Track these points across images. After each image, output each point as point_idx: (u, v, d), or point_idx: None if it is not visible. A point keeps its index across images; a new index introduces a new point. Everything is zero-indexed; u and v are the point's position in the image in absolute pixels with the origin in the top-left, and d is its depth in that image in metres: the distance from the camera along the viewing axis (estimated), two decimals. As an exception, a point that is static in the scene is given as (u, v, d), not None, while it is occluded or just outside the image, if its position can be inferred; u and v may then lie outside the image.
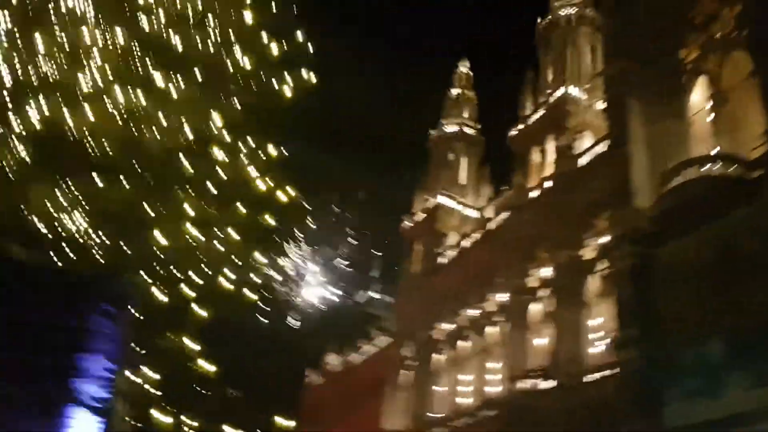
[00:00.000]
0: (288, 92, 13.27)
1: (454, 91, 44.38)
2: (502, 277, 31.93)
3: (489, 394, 31.54)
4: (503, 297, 31.93)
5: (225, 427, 10.32)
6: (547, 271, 29.28)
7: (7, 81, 10.32)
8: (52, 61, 10.88)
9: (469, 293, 34.22)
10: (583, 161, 28.92)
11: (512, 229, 32.08)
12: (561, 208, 28.52)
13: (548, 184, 30.41)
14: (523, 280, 30.40)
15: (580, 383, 25.45)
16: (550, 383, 26.79)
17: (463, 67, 45.20)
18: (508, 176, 35.67)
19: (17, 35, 10.66)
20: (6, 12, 10.66)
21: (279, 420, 11.48)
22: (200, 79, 12.34)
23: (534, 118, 32.79)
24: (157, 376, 10.37)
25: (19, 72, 10.54)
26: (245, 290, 11.72)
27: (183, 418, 10.54)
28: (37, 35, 10.76)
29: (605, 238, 26.08)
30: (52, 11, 11.19)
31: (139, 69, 11.72)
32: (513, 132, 33.78)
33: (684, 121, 23.75)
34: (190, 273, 11.40)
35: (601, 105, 29.32)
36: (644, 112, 24.15)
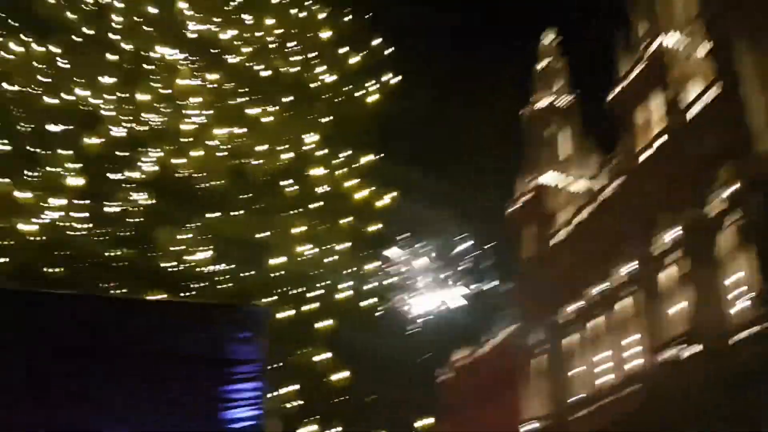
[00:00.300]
0: (373, 98, 13.44)
1: (542, 64, 43.04)
2: (627, 246, 30.58)
3: (629, 369, 30.30)
4: (630, 267, 30.58)
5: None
6: (674, 234, 27.75)
7: (118, 135, 11.17)
8: (155, 112, 11.67)
9: (593, 269, 33.03)
10: (693, 112, 27.15)
11: (628, 195, 30.67)
12: (678, 165, 26.93)
13: (660, 142, 28.82)
14: (650, 247, 28.97)
15: (726, 345, 23.89)
16: (694, 349, 25.34)
17: (548, 38, 43.77)
18: (614, 142, 34.14)
19: (119, 94, 11.52)
20: (106, 76, 11.55)
21: (420, 423, 11.62)
22: (288, 102, 12.77)
23: (632, 75, 31.18)
24: (296, 390, 10.81)
25: (128, 126, 11.38)
26: (363, 299, 11.99)
27: (326, 428, 10.92)
28: (137, 91, 11.58)
29: (731, 189, 24.37)
30: (146, 65, 12.00)
31: (232, 104, 12.32)
32: (612, 94, 32.30)
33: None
34: (309, 289, 11.80)
35: (703, 50, 27.41)
36: (752, 49, 22.33)
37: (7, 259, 9.31)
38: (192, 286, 10.72)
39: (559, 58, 43.54)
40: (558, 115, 41.15)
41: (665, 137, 28.47)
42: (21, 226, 9.86)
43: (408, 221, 14.28)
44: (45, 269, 9.71)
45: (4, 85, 10.86)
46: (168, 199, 11.02)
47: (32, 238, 9.96)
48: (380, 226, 12.57)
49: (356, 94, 13.58)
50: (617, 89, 32.15)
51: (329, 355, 11.15)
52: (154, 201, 10.81)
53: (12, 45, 10.93)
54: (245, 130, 11.89)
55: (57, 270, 9.82)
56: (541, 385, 37.43)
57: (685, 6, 30.18)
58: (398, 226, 13.71)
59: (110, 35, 12.05)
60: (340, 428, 11.03)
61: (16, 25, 11.13)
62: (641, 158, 30.13)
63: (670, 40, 29.50)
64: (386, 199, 12.82)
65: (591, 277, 33.50)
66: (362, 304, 11.90)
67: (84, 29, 11.89)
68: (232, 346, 4.50)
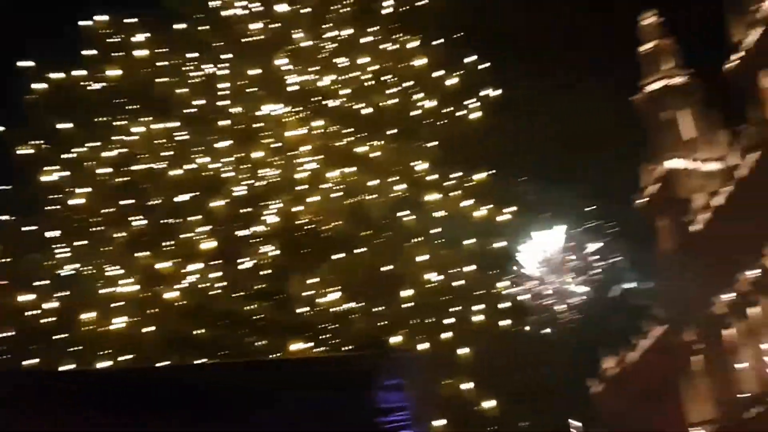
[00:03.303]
0: (475, 115, 13.24)
1: (647, 45, 40.93)
2: (775, 224, 27.94)
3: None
4: (784, 246, 27.87)
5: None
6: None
7: (240, 194, 11.68)
8: (270, 166, 12.13)
9: (742, 252, 30.41)
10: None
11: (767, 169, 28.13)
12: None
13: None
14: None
15: None
16: None
17: (649, 18, 41.66)
18: (741, 115, 31.54)
19: (236, 155, 12.10)
20: (221, 140, 12.17)
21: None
22: (393, 134, 12.84)
23: (750, 40, 28.86)
24: (446, 425, 10.55)
25: (247, 183, 11.90)
26: (499, 319, 11.59)
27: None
28: (251, 149, 12.11)
29: None
30: (255, 124, 12.54)
31: (340, 145, 12.56)
32: (730, 64, 30.02)
33: None
34: (444, 317, 11.57)
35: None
36: None
37: (154, 328, 9.86)
38: (327, 328, 10.84)
39: (664, 37, 41.22)
40: (674, 95, 38.78)
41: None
42: (165, 294, 10.46)
43: (530, 231, 13.74)
44: (189, 333, 10.20)
45: (133, 167, 11.67)
46: (294, 247, 11.32)
47: (175, 304, 10.53)
48: (504, 242, 12.18)
49: (458, 114, 13.42)
50: (736, 57, 29.82)
51: (472, 384, 10.79)
52: (281, 251, 11.12)
53: (133, 128, 11.78)
54: (356, 168, 12.04)
55: (201, 332, 10.28)
56: (705, 385, 34.63)
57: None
58: (522, 238, 13.22)
59: (219, 102, 12.73)
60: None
61: (134, 108, 12.02)
62: (778, 125, 27.58)
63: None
64: (506, 214, 12.43)
65: (742, 261, 30.78)
66: (500, 324, 11.51)
67: (195, 101, 12.63)
68: (380, 395, 4.40)
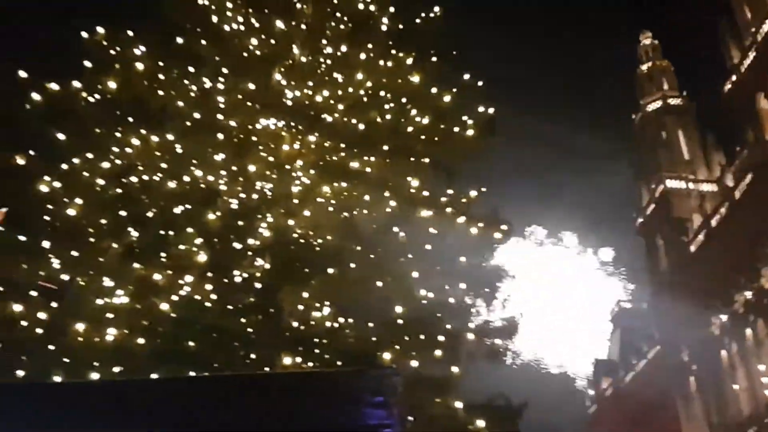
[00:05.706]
0: (470, 132, 13.33)
1: (645, 66, 41.32)
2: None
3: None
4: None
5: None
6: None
7: (235, 207, 11.78)
8: (265, 180, 12.22)
9: (738, 274, 30.44)
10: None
11: (765, 188, 28.23)
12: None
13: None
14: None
15: None
16: None
17: (646, 39, 42.09)
18: (736, 137, 31.73)
19: (232, 168, 12.21)
20: (217, 153, 12.26)
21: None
22: (387, 150, 12.93)
23: (747, 63, 29.11)
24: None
25: (243, 197, 12.00)
26: (489, 338, 11.61)
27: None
28: (247, 163, 12.21)
29: None
30: (252, 138, 12.66)
31: (335, 160, 12.66)
32: (727, 86, 30.24)
33: None
34: (435, 334, 11.58)
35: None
36: None
37: (144, 341, 9.86)
38: (318, 343, 10.86)
39: (661, 58, 41.55)
40: (672, 114, 39.05)
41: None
42: (157, 306, 10.48)
43: (525, 251, 13.77)
44: (181, 345, 10.22)
45: (132, 178, 11.78)
46: (285, 262, 11.37)
47: (168, 316, 10.55)
48: (496, 261, 12.24)
49: (453, 131, 13.54)
50: (732, 80, 30.02)
51: (462, 403, 10.77)
52: (273, 265, 11.17)
53: (133, 140, 11.91)
54: (350, 183, 12.13)
55: (192, 345, 10.29)
56: (700, 405, 34.47)
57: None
58: (516, 256, 13.27)
59: (217, 115, 12.85)
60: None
61: (132, 120, 12.14)
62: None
63: (784, 16, 27.35)
64: (498, 233, 12.50)
65: (738, 282, 30.76)
66: (488, 343, 11.53)
67: (193, 114, 12.75)
68: (364, 412, 4.41)
